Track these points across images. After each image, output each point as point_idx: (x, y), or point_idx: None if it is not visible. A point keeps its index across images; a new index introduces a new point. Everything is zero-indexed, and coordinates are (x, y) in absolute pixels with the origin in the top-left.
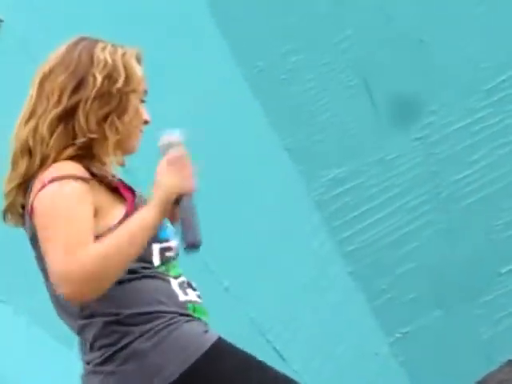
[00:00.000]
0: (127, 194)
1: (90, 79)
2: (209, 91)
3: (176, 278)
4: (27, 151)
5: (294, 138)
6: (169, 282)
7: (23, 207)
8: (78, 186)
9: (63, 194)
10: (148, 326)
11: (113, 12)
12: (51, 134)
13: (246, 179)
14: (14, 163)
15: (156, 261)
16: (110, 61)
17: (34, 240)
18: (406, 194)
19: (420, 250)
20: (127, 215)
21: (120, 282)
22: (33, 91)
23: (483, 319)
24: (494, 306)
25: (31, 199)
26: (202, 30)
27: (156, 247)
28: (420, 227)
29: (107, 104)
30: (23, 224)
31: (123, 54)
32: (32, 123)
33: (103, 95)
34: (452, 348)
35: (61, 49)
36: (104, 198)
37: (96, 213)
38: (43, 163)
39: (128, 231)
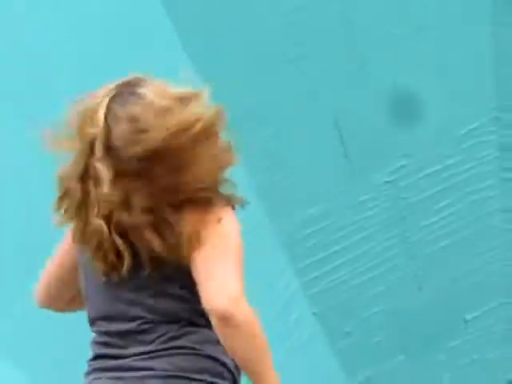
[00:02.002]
0: None
1: None
2: None
3: None
4: None
5: (263, 175)
6: None
7: None
8: None
9: None
10: None
11: None
12: None
13: None
14: None
15: None
16: None
17: None
18: (374, 237)
19: (386, 295)
20: None
21: None
22: None
23: (446, 365)
24: (457, 353)
25: None
26: None
27: None
28: (386, 271)
29: None
30: None
31: None
32: None
33: None
34: None
35: None
36: None
37: None
38: None
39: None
